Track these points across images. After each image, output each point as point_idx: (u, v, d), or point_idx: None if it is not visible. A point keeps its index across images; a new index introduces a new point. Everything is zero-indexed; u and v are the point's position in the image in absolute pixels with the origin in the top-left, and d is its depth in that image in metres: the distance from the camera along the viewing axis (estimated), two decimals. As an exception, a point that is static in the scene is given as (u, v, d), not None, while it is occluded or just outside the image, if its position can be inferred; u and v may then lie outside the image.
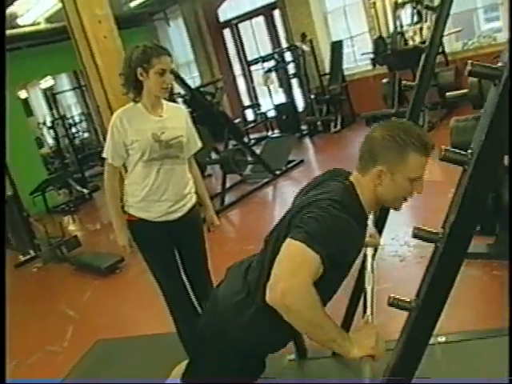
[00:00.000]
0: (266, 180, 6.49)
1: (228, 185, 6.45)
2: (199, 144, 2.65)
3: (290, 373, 2.49)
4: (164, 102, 2.51)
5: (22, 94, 11.98)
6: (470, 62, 1.13)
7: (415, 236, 1.35)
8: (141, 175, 2.42)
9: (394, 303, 1.33)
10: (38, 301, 4.89)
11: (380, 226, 2.19)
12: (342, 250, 1.43)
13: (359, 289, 2.28)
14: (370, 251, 1.86)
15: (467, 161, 1.19)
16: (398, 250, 3.47)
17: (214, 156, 7.09)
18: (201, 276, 2.63)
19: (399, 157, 1.47)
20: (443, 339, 2.36)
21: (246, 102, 10.91)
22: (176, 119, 2.50)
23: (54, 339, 3.76)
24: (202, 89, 6.72)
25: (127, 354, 3.22)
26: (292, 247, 1.40)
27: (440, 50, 6.89)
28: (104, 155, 2.47)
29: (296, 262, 1.38)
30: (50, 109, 12.10)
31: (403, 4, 7.03)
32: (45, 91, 13.27)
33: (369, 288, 1.61)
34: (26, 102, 12.80)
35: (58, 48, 8.77)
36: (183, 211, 2.49)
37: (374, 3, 7.78)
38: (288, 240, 1.42)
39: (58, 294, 4.90)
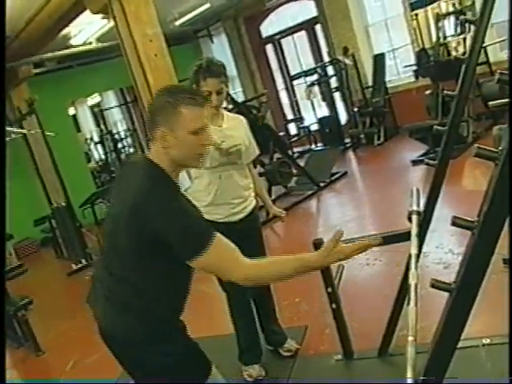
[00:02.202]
0: (310, 192, 6.58)
1: (273, 197, 6.57)
2: (257, 151, 2.86)
3: (336, 373, 2.56)
4: (225, 112, 2.73)
5: (71, 111, 12.46)
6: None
7: (454, 224, 1.48)
8: (205, 182, 2.60)
9: (436, 285, 1.45)
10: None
11: (424, 229, 2.25)
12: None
13: (403, 292, 2.34)
14: (413, 251, 1.91)
15: (498, 157, 1.31)
16: (442, 258, 3.49)
17: (259, 168, 7.23)
18: None
19: (173, 113, 1.57)
20: (487, 341, 2.40)
21: (289, 115, 11.04)
22: (235, 129, 2.68)
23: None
24: (247, 103, 6.89)
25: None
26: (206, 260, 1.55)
27: (484, 60, 6.86)
28: None
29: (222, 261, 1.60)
30: (97, 125, 12.55)
31: (446, 15, 7.04)
32: (92, 108, 13.75)
33: (413, 283, 1.67)
34: (74, 118, 13.32)
35: (106, 66, 9.18)
36: (244, 213, 2.69)
37: (416, 15, 7.80)
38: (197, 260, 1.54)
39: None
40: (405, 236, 2.10)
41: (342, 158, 8.02)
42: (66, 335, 4.48)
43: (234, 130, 2.67)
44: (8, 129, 5.45)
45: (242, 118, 2.83)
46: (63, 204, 6.65)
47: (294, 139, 10.05)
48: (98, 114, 11.85)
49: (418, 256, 1.95)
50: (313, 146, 9.57)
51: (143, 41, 4.80)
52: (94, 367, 3.67)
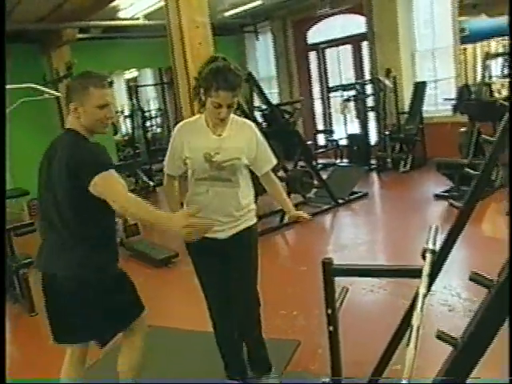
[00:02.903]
0: (327, 206, 6.53)
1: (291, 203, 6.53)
2: (274, 161, 2.53)
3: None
4: (232, 116, 2.40)
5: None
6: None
7: (471, 279, 1.42)
8: (194, 190, 2.44)
9: (442, 337, 1.40)
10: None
11: (436, 269, 2.20)
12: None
13: (403, 328, 2.29)
14: (422, 290, 1.88)
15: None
16: (448, 300, 3.43)
17: (281, 173, 7.20)
18: (242, 295, 2.57)
19: (84, 93, 2.09)
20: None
21: (320, 126, 10.99)
22: (237, 139, 2.37)
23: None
24: (281, 106, 6.85)
25: (162, 342, 3.32)
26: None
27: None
28: (164, 163, 2.52)
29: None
30: (130, 99, 12.59)
31: (495, 55, 6.94)
32: (128, 82, 13.81)
33: (416, 324, 1.64)
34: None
35: (148, 44, 9.20)
36: (233, 232, 2.43)
37: (465, 49, 7.72)
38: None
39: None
40: (416, 273, 2.06)
41: (365, 178, 7.94)
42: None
43: (235, 140, 2.36)
44: (41, 88, 5.45)
45: (250, 124, 2.48)
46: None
47: (320, 150, 10.00)
48: (133, 88, 11.86)
49: (425, 296, 1.92)
50: (338, 161, 9.50)
51: (190, 26, 4.79)
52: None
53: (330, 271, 2.51)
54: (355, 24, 9.70)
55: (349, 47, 10.03)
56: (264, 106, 6.31)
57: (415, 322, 1.67)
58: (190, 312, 3.93)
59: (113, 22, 8.42)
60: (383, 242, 5.39)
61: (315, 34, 10.75)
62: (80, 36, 8.30)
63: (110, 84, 2.19)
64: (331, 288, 2.51)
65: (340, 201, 6.61)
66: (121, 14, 8.21)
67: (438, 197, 6.16)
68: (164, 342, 3.36)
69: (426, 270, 1.96)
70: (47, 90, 5.40)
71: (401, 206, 6.31)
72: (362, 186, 7.21)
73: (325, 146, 10.23)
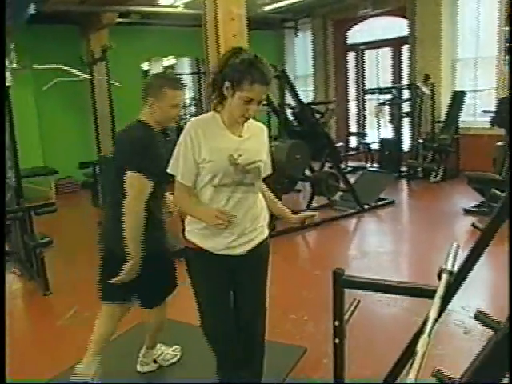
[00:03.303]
0: (352, 211, 6.41)
1: (315, 205, 6.44)
2: (270, 170, 2.34)
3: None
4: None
5: (145, 67, 12.60)
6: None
7: (476, 318, 1.32)
8: (210, 199, 2.10)
9: (438, 376, 1.30)
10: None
11: (453, 290, 2.10)
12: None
13: (409, 351, 2.19)
14: (432, 314, 1.78)
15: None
16: (464, 321, 3.30)
17: (307, 173, 7.11)
18: (252, 318, 2.36)
19: (160, 92, 2.41)
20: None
21: (353, 128, 10.82)
22: (256, 140, 2.20)
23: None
24: (312, 106, 6.75)
25: (168, 337, 3.28)
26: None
27: None
28: (171, 171, 2.13)
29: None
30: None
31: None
32: (165, 69, 13.87)
33: (421, 351, 1.54)
34: (146, 73, 13.48)
35: (187, 32, 9.17)
36: (250, 246, 2.19)
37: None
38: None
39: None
40: (429, 293, 1.96)
41: (393, 185, 7.78)
42: (75, 284, 4.52)
43: (255, 141, 2.18)
44: (69, 69, 5.48)
45: (262, 126, 2.29)
46: (111, 155, 6.70)
47: (351, 153, 9.86)
48: (170, 75, 11.96)
49: (436, 320, 1.81)
50: (368, 165, 9.35)
51: (225, 18, 4.72)
52: (91, 321, 3.67)
53: (340, 282, 2.43)
54: (397, 27, 9.51)
55: (388, 50, 9.83)
56: (295, 104, 6.21)
57: (420, 348, 1.57)
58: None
59: (152, 9, 8.43)
60: (406, 253, 5.25)
61: (355, 35, 10.58)
62: (119, 20, 8.34)
63: (182, 86, 2.49)
64: (340, 299, 2.43)
65: (365, 206, 6.48)
66: (161, 1, 8.22)
67: (466, 211, 5.98)
68: (176, 336, 3.30)
69: (439, 292, 1.86)
70: (75, 72, 5.41)
71: (427, 218, 6.14)
72: (390, 193, 7.06)
73: (356, 149, 10.07)
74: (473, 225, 2.15)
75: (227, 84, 2.00)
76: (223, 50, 4.87)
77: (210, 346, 2.33)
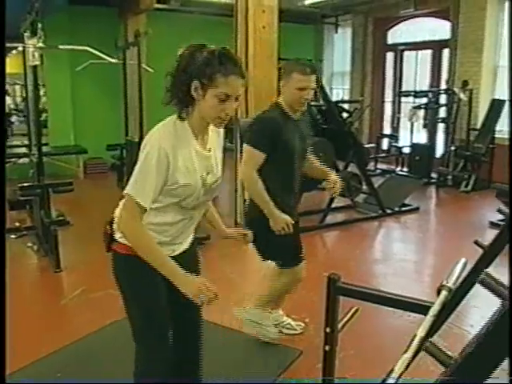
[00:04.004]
0: (374, 214, 6.28)
1: (337, 204, 6.32)
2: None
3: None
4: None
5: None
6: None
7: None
8: (168, 220, 1.89)
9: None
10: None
11: (448, 311, 1.99)
12: None
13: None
14: (420, 333, 1.68)
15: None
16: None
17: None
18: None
19: (288, 76, 2.73)
20: None
21: (387, 130, 10.62)
22: (218, 150, 2.00)
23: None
24: (338, 104, 6.62)
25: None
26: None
27: None
28: (131, 192, 1.74)
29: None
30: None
31: None
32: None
33: (397, 373, 1.43)
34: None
35: (224, 23, 9.12)
36: (187, 244, 2.07)
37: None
38: None
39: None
40: (423, 309, 1.88)
41: (421, 191, 7.59)
42: (87, 264, 4.57)
43: (217, 153, 1.99)
44: (96, 52, 5.51)
45: (214, 128, 1.94)
46: (136, 139, 6.73)
47: (382, 155, 9.67)
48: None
49: (424, 339, 1.72)
50: (398, 169, 9.15)
51: (256, 10, 4.70)
52: (95, 303, 3.75)
53: (335, 289, 2.35)
54: (439, 29, 9.25)
55: (428, 53, 9.57)
56: (322, 102, 6.10)
57: (398, 369, 1.49)
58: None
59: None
60: (424, 263, 5.11)
61: (396, 35, 10.35)
62: (158, 6, 8.34)
63: (313, 71, 2.70)
64: (334, 306, 2.36)
65: (388, 211, 6.33)
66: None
67: (493, 225, 5.77)
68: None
69: (432, 310, 1.75)
70: (100, 55, 5.44)
71: (452, 228, 5.96)
72: (416, 199, 6.88)
73: (387, 151, 9.87)
74: (475, 242, 2.04)
75: (195, 83, 1.74)
76: (252, 40, 4.86)
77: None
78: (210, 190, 1.93)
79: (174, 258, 1.85)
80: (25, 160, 6.40)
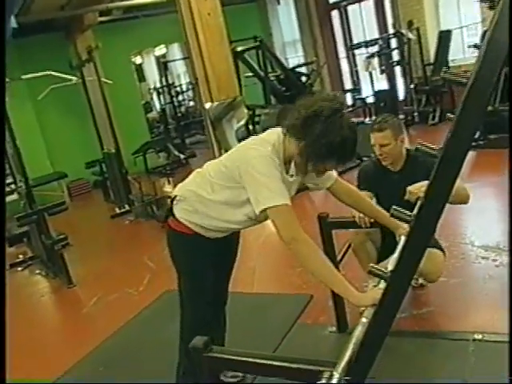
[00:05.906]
0: (352, 164, 6.50)
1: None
2: None
3: (324, 343, 2.64)
4: None
5: (138, 60, 12.67)
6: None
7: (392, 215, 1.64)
8: (223, 197, 2.03)
9: (372, 271, 1.51)
10: (124, 249, 5.43)
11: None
12: None
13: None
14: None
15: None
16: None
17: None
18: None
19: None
20: (479, 337, 2.40)
21: (348, 85, 10.84)
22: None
23: (133, 283, 4.20)
24: (297, 69, 6.83)
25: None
26: None
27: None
28: (267, 203, 1.78)
29: None
30: (161, 76, 12.74)
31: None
32: (158, 58, 13.94)
33: (389, 267, 1.62)
34: (140, 67, 13.55)
35: (171, 19, 9.25)
36: None
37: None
38: None
39: (142, 246, 5.35)
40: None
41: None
42: (96, 273, 4.78)
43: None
44: (58, 74, 5.66)
45: None
46: (113, 151, 6.90)
47: (348, 110, 9.88)
48: (162, 65, 12.02)
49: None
50: (367, 119, 9.39)
51: (197, -1, 4.85)
52: (113, 304, 3.98)
53: (326, 225, 2.61)
54: (375, -23, 9.45)
55: (371, 2, 9.78)
56: (279, 71, 6.32)
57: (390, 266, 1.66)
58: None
59: (131, 2, 8.49)
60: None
61: (336, -8, 10.52)
62: (102, 19, 8.44)
63: (379, 129, 2.86)
64: (329, 240, 2.62)
65: (364, 158, 6.56)
66: (139, -8, 8.30)
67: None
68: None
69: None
70: (64, 76, 5.59)
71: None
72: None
73: (353, 105, 10.11)
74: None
75: (309, 158, 1.82)
76: (200, 29, 5.03)
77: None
78: None
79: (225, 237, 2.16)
80: (11, 197, 6.49)
